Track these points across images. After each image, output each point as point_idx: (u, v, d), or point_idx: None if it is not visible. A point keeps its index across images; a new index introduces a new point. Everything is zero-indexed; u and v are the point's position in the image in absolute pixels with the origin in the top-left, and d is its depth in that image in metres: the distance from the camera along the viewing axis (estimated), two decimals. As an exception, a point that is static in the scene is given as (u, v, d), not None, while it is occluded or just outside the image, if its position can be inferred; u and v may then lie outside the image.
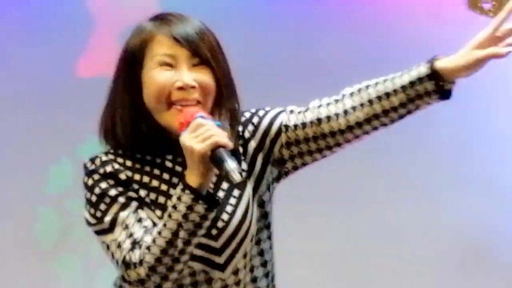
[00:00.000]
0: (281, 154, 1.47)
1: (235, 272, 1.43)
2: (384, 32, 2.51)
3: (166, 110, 1.32)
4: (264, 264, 1.51)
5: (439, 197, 2.58)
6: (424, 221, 2.58)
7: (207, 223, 1.29)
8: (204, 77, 1.32)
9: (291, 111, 1.39)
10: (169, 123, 1.30)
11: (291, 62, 2.53)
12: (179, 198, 1.27)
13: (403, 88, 1.29)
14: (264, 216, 1.48)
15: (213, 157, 1.20)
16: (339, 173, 2.44)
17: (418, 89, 1.26)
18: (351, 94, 1.37)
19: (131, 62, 1.35)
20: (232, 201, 1.43)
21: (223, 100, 1.39)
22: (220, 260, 1.41)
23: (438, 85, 1.21)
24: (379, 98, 1.31)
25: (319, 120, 1.38)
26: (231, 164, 1.20)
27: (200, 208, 1.27)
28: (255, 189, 1.46)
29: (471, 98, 2.47)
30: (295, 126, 1.38)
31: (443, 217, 2.63)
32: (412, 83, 1.25)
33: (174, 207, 1.28)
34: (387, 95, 1.31)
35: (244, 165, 1.44)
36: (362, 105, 1.34)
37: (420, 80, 1.24)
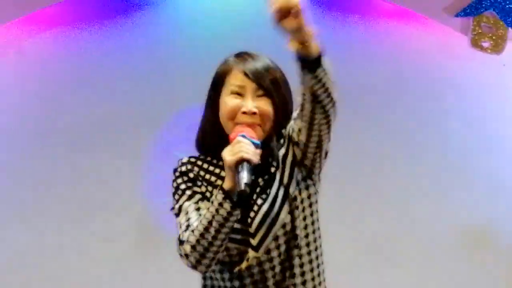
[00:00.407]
0: (298, 154, 1.69)
1: (267, 252, 1.61)
2: (403, 65, 3.01)
3: (232, 128, 1.58)
4: (297, 246, 1.68)
5: (448, 192, 3.03)
6: (440, 212, 3.05)
7: (233, 218, 1.51)
8: (265, 106, 1.55)
9: (294, 119, 1.65)
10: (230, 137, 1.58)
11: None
12: (215, 196, 1.51)
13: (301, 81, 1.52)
14: (297, 208, 1.68)
15: (236, 167, 1.46)
16: (374, 178, 2.92)
17: (303, 78, 1.49)
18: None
19: (215, 87, 1.60)
20: (263, 196, 1.63)
21: (279, 127, 1.66)
22: (254, 242, 1.61)
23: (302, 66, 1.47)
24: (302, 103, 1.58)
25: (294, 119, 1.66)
26: (242, 176, 1.45)
27: (227, 205, 1.49)
28: (286, 187, 1.66)
29: (473, 107, 2.92)
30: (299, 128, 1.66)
31: (452, 209, 3.07)
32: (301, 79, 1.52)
33: (212, 202, 1.52)
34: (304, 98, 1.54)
35: (273, 169, 1.69)
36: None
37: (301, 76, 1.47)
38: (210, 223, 1.56)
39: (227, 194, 1.51)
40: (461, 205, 3.19)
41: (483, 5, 3.13)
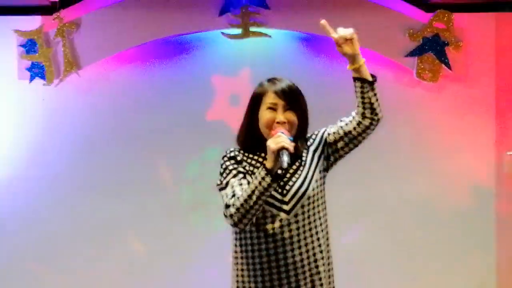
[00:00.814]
0: (327, 152, 2.13)
1: (295, 215, 2.06)
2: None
3: (269, 133, 2.02)
4: (316, 213, 2.13)
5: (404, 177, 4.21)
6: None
7: (271, 189, 1.90)
8: (291, 117, 2.03)
9: (330, 127, 2.12)
10: (268, 139, 1.97)
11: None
12: (259, 173, 1.91)
13: (359, 95, 2.05)
14: (317, 187, 2.11)
15: (277, 153, 1.88)
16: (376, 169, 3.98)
17: (362, 90, 2.03)
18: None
19: (254, 103, 2.08)
20: (297, 176, 2.08)
21: (302, 132, 2.09)
22: (287, 208, 2.05)
23: (362, 80, 1.99)
24: (359, 105, 2.08)
25: (340, 127, 2.11)
26: (283, 158, 1.87)
27: (268, 179, 1.91)
28: (314, 172, 2.11)
29: (415, 118, 4.12)
30: (333, 133, 2.11)
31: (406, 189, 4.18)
32: (359, 92, 2.05)
33: (256, 177, 1.92)
34: (360, 102, 2.05)
35: (305, 157, 2.12)
36: (353, 117, 2.07)
37: (360, 88, 2.03)
38: (253, 191, 1.97)
39: (269, 171, 1.93)
40: (410, 187, 4.12)
41: (425, 49, 3.97)
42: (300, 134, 2.12)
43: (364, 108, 2.10)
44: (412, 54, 4.00)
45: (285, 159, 1.93)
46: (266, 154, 2.01)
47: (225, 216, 2.05)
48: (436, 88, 4.13)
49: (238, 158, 2.14)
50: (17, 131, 4.06)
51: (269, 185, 1.95)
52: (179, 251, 4.07)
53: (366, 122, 2.07)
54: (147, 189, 4.07)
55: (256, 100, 2.13)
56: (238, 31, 3.93)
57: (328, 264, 2.25)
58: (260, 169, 1.96)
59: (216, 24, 3.96)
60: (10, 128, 4.08)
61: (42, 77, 3.89)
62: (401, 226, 4.22)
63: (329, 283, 2.26)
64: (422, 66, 4.00)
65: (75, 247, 4.08)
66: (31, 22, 3.95)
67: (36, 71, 3.91)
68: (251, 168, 2.13)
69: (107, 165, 4.09)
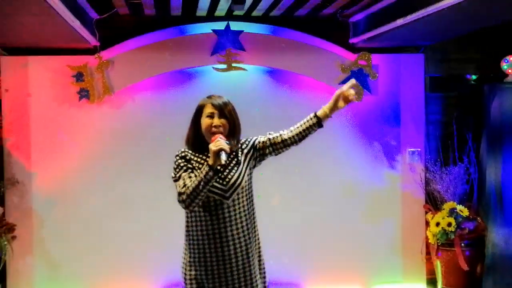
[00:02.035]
0: (255, 155, 2.65)
1: (233, 200, 2.56)
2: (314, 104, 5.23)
3: (209, 135, 2.52)
4: (247, 200, 2.65)
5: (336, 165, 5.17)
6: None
7: (213, 180, 2.39)
8: (224, 122, 2.53)
9: (260, 137, 2.65)
10: (209, 140, 2.48)
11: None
12: (204, 168, 2.38)
13: (306, 128, 2.59)
14: (248, 180, 2.63)
15: (217, 153, 2.37)
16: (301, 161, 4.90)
17: (312, 128, 2.57)
18: (289, 130, 2.66)
19: (197, 113, 2.61)
20: (233, 171, 2.56)
21: (232, 133, 2.59)
22: (227, 195, 2.54)
23: (319, 124, 2.54)
24: (297, 133, 2.63)
25: (272, 138, 2.63)
26: (222, 157, 2.35)
27: (210, 173, 2.38)
28: (246, 168, 2.62)
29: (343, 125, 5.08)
30: (262, 142, 2.63)
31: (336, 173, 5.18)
32: (308, 127, 2.58)
33: (201, 171, 2.40)
34: (301, 131, 2.60)
35: (240, 158, 2.55)
36: (291, 132, 2.61)
37: (312, 125, 2.56)
38: (199, 182, 2.42)
39: (211, 167, 2.41)
40: (344, 173, 5.24)
41: (352, 78, 5.02)
42: (232, 135, 2.65)
43: (301, 136, 2.68)
44: (343, 82, 4.83)
45: (223, 157, 2.42)
46: (208, 153, 2.50)
47: (179, 201, 2.51)
48: (360, 105, 5.23)
49: (187, 157, 2.64)
50: (72, 133, 5.12)
51: (211, 177, 2.45)
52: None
53: (291, 143, 2.68)
54: (163, 175, 4.81)
55: (198, 111, 2.69)
56: (224, 66, 4.94)
57: (255, 236, 2.73)
58: (204, 165, 2.46)
59: (208, 61, 4.94)
60: (69, 130, 5.12)
61: (87, 97, 4.89)
62: (337, 200, 5.25)
63: (258, 249, 2.79)
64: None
65: (118, 215, 5.08)
66: (80, 60, 4.86)
67: (83, 94, 4.88)
68: (198, 165, 2.60)
69: (133, 157, 5.13)
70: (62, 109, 5.11)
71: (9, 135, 5.07)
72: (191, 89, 5.21)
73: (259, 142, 2.69)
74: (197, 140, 2.67)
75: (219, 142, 2.49)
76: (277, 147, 2.68)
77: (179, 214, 4.45)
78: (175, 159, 2.67)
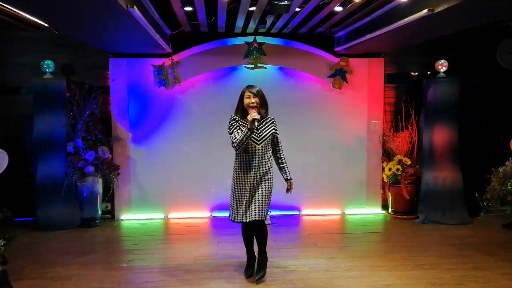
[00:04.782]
0: (271, 137, 3.73)
1: (262, 147, 3.69)
2: (309, 92, 6.33)
3: (248, 108, 3.66)
4: (266, 148, 3.73)
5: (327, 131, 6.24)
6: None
7: (250, 136, 3.57)
8: (257, 100, 3.67)
9: (276, 135, 3.76)
10: (248, 111, 3.64)
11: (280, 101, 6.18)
12: (245, 129, 3.58)
13: (279, 167, 3.84)
14: (268, 139, 3.71)
15: (252, 121, 3.52)
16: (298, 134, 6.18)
17: (280, 169, 3.86)
18: (277, 160, 3.83)
19: (241, 96, 3.76)
20: (262, 130, 3.68)
21: (262, 105, 3.71)
22: (258, 143, 3.72)
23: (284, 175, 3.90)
24: (276, 163, 3.85)
25: (275, 150, 3.78)
26: (254, 124, 3.54)
27: (249, 133, 3.57)
28: (267, 132, 3.71)
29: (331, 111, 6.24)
30: (274, 138, 3.76)
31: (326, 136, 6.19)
32: (279, 168, 3.85)
33: (243, 131, 3.61)
34: (277, 163, 3.83)
35: (267, 126, 3.63)
36: (277, 160, 3.80)
37: (280, 169, 3.85)
38: (243, 137, 3.52)
39: (249, 129, 3.48)
40: (326, 135, 6.14)
41: (336, 74, 6.04)
42: (262, 107, 3.60)
43: (276, 163, 3.73)
44: (330, 76, 6.11)
45: (256, 124, 3.41)
46: (247, 121, 3.52)
47: (232, 146, 3.61)
48: (341, 92, 6.25)
49: (236, 119, 3.64)
50: (153, 108, 6.08)
51: (250, 135, 3.50)
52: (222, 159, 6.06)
53: (274, 159, 3.78)
54: (213, 135, 6.20)
55: (242, 94, 3.69)
56: (252, 65, 6.00)
57: (268, 165, 3.67)
58: (245, 128, 3.48)
59: (242, 62, 6.02)
60: (151, 106, 6.10)
61: (164, 85, 6.20)
62: (324, 152, 6.28)
63: (268, 171, 3.65)
64: (335, 82, 6.22)
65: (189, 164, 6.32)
66: (159, 61, 6.05)
67: (161, 83, 6.21)
68: (242, 124, 3.60)
69: (193, 123, 6.14)
70: (147, 92, 6.11)
71: (114, 108, 6.24)
72: (230, 80, 6.12)
73: (274, 137, 3.69)
74: (242, 111, 3.68)
75: (253, 115, 3.44)
76: (274, 152, 3.72)
77: (223, 161, 5.59)
78: (230, 120, 3.63)
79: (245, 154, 3.60)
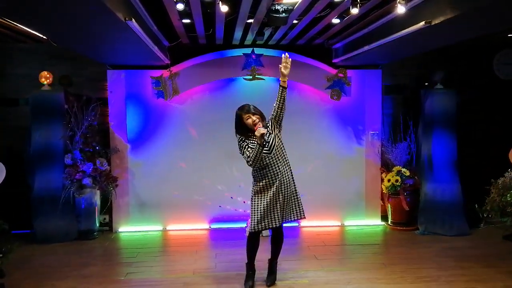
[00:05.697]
0: (275, 125, 3.87)
1: (274, 155, 3.87)
2: (309, 102, 6.39)
3: (253, 127, 3.80)
4: (281, 152, 3.90)
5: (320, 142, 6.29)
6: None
7: (262, 150, 3.76)
8: (258, 116, 3.83)
9: (270, 116, 3.86)
10: (253, 129, 3.80)
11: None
12: (256, 145, 3.76)
13: (279, 96, 3.78)
14: (279, 141, 3.91)
15: (261, 136, 3.69)
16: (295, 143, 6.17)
17: (281, 94, 3.79)
18: (273, 107, 3.88)
19: (239, 119, 3.88)
20: (270, 138, 3.83)
21: (262, 119, 3.84)
22: (269, 152, 3.90)
23: (283, 87, 3.83)
24: (276, 103, 3.82)
25: (273, 115, 3.82)
26: (264, 138, 3.76)
27: (261, 148, 3.76)
28: (274, 134, 3.85)
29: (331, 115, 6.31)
30: (274, 116, 3.83)
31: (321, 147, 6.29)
32: (279, 95, 3.79)
33: (255, 147, 3.80)
34: (276, 101, 3.79)
35: (270, 131, 3.76)
36: (274, 106, 3.81)
37: (281, 92, 3.78)
38: (256, 153, 3.70)
39: (260, 144, 3.69)
40: (326, 146, 6.23)
41: (334, 85, 6.18)
42: (262, 120, 3.78)
43: (279, 103, 3.71)
44: (328, 87, 6.23)
45: (265, 138, 3.58)
46: (254, 136, 3.70)
47: (248, 164, 3.80)
48: (339, 103, 6.38)
49: (244, 139, 3.84)
50: (152, 119, 6.16)
51: (262, 149, 3.69)
52: (232, 175, 6.36)
53: (278, 109, 3.77)
54: (209, 146, 6.28)
55: (239, 117, 3.82)
56: (250, 77, 6.13)
57: (291, 173, 3.92)
58: (256, 144, 3.67)
59: (240, 74, 6.16)
60: (150, 117, 6.19)
61: (162, 97, 6.33)
62: (323, 164, 6.35)
63: (291, 172, 3.93)
64: (333, 93, 6.36)
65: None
66: (157, 72, 6.16)
67: (160, 94, 6.34)
68: (251, 142, 3.77)
69: (190, 134, 6.20)
70: (146, 104, 6.24)
71: (113, 120, 6.32)
72: (228, 92, 6.25)
73: (271, 118, 3.88)
74: (242, 131, 3.83)
75: (260, 130, 3.56)
76: (276, 116, 3.77)
77: (222, 172, 5.87)
78: (239, 142, 3.80)
79: (264, 163, 3.76)
